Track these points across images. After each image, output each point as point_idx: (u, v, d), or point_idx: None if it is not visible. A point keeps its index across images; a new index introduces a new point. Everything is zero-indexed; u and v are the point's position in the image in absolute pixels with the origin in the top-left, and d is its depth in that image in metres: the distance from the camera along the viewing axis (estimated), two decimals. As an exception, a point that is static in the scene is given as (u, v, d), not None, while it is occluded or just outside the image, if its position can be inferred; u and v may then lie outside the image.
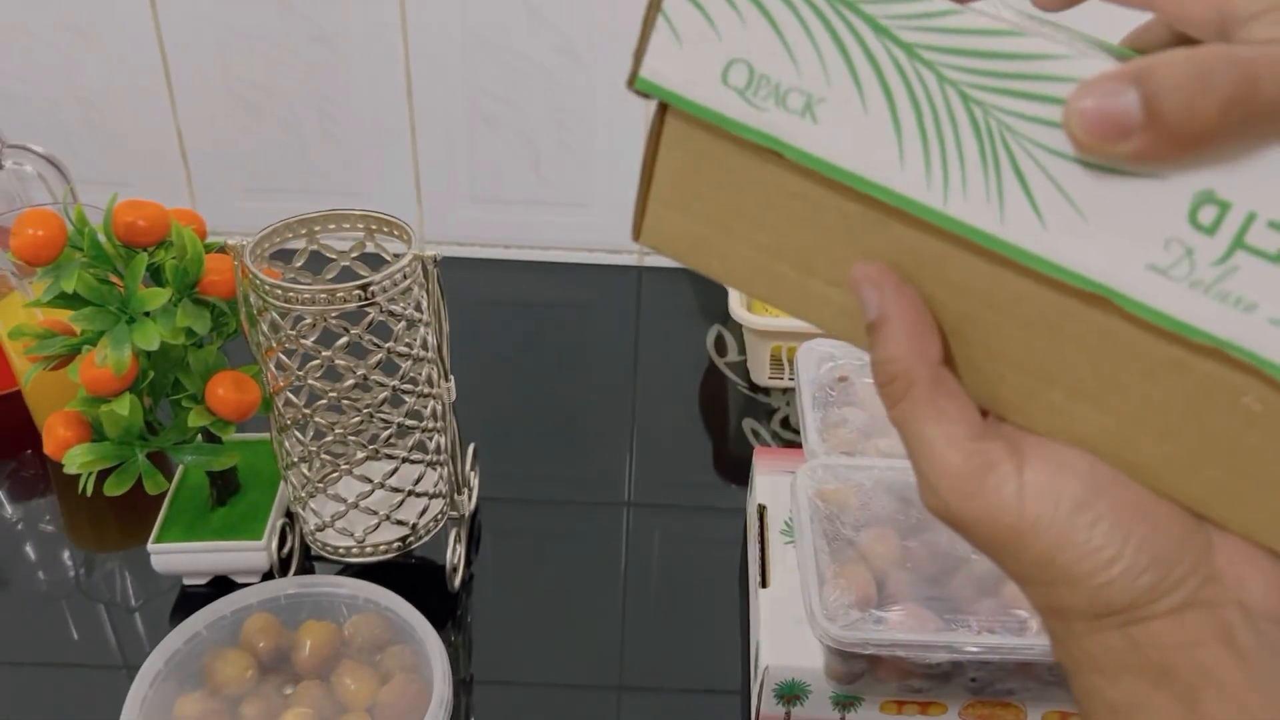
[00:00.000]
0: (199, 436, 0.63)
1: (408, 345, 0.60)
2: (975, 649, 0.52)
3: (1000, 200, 0.27)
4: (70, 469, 0.58)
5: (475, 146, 0.99)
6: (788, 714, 0.60)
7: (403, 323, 0.59)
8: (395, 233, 0.61)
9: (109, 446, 0.58)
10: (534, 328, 0.96)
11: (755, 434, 0.84)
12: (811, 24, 0.28)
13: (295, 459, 0.63)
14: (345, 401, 0.60)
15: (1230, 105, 0.23)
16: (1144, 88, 0.23)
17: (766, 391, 0.88)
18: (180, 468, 0.70)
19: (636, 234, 0.34)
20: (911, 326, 0.30)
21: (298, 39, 0.94)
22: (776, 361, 0.86)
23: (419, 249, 0.59)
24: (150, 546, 0.65)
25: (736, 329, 0.96)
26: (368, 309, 0.57)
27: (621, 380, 0.90)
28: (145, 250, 0.60)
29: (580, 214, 1.03)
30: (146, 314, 0.57)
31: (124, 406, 0.57)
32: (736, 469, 0.81)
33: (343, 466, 0.62)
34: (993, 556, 0.31)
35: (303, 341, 0.58)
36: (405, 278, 0.58)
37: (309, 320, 0.57)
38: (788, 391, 0.88)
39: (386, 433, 0.61)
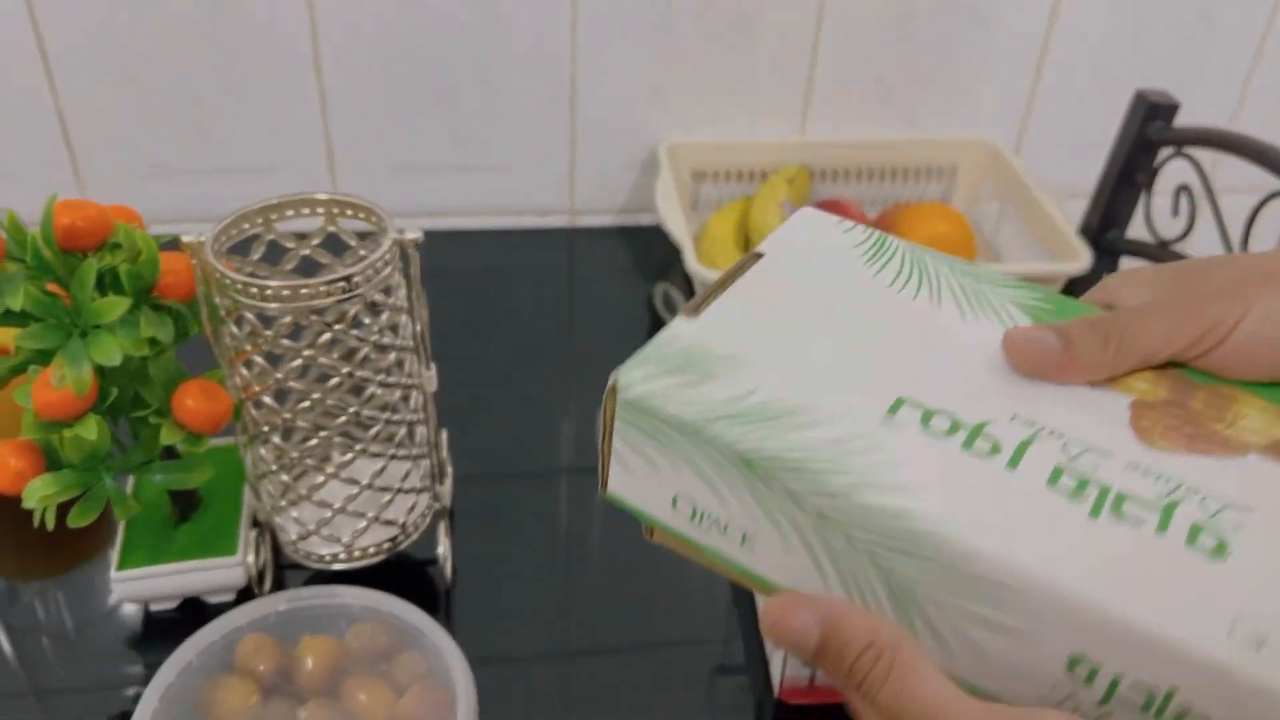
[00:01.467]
0: (158, 454, 0.58)
1: (390, 335, 0.56)
2: None
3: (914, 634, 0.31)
4: (30, 503, 0.52)
5: (391, 112, 0.94)
6: (813, 674, 0.59)
7: (386, 313, 0.55)
8: (362, 215, 0.57)
9: (72, 474, 0.53)
10: (467, 299, 0.92)
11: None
12: (736, 482, 0.32)
13: (273, 467, 0.58)
14: (330, 401, 0.56)
15: (1106, 342, 0.35)
16: (1060, 330, 0.35)
17: (723, 347, 0.87)
18: (129, 487, 0.64)
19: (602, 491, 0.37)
20: (853, 618, 0.30)
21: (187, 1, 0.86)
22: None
23: (393, 231, 0.55)
24: (114, 574, 0.60)
25: (684, 286, 0.94)
26: (350, 302, 0.52)
27: (563, 344, 0.87)
28: (87, 255, 0.54)
29: (505, 178, 0.99)
30: (97, 326, 0.52)
31: (90, 430, 0.51)
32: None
33: (328, 471, 0.58)
34: None
35: (283, 342, 0.53)
36: (386, 265, 0.54)
37: (288, 319, 0.52)
38: (745, 345, 0.87)
39: (374, 430, 0.57)
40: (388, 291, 0.55)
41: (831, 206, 0.95)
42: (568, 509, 0.72)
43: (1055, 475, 0.32)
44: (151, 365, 0.55)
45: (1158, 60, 1.00)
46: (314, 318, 0.53)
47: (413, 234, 0.54)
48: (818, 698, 0.60)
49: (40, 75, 0.88)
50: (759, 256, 0.40)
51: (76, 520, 0.54)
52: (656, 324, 0.90)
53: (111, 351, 0.50)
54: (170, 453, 0.58)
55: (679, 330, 0.36)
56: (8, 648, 0.62)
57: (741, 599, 0.66)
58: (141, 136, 0.92)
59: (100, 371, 0.52)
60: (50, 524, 0.53)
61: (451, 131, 0.95)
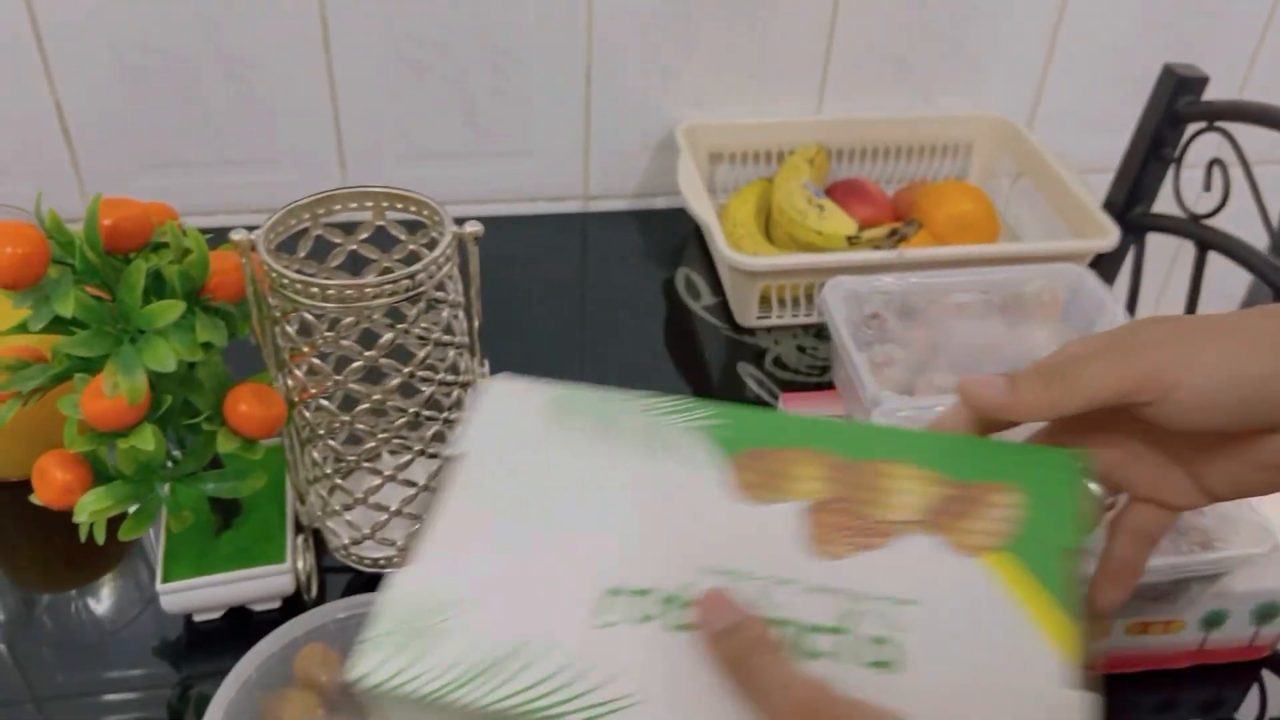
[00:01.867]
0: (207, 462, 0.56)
1: (448, 332, 0.54)
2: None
3: None
4: (81, 518, 0.50)
5: (402, 98, 0.91)
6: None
7: (446, 309, 0.53)
8: (414, 209, 0.55)
9: (124, 486, 0.51)
10: (482, 287, 0.90)
11: (752, 378, 0.82)
12: None
13: (327, 470, 0.56)
14: (390, 403, 0.54)
15: (1049, 383, 0.38)
16: (1007, 375, 0.39)
17: (752, 332, 0.86)
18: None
19: None
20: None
21: (192, -10, 0.83)
22: (765, 302, 0.84)
23: (452, 224, 0.53)
24: (160, 587, 0.58)
25: (704, 271, 0.92)
26: (414, 300, 0.51)
27: (580, 331, 0.85)
28: (131, 256, 0.51)
29: (520, 162, 0.97)
30: (142, 331, 0.49)
31: (146, 440, 0.49)
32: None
33: (385, 473, 0.56)
34: None
35: (343, 343, 0.51)
36: (447, 260, 0.52)
37: (350, 319, 0.50)
38: (774, 330, 0.86)
39: (434, 430, 0.56)
40: (443, 288, 0.53)
41: (851, 187, 0.94)
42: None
43: None
44: (201, 370, 0.53)
45: (1169, 34, 1.00)
46: (375, 317, 0.51)
47: (472, 227, 0.52)
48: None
49: (37, 64, 0.84)
50: (462, 456, 0.40)
51: (129, 533, 0.52)
52: (675, 308, 0.88)
53: (165, 357, 0.48)
54: (216, 460, 0.56)
55: (403, 585, 0.37)
56: (46, 657, 0.60)
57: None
58: (142, 127, 0.89)
59: (152, 379, 0.50)
60: (100, 538, 0.51)
61: (464, 117, 0.93)
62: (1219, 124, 0.79)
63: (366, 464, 0.56)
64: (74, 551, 0.64)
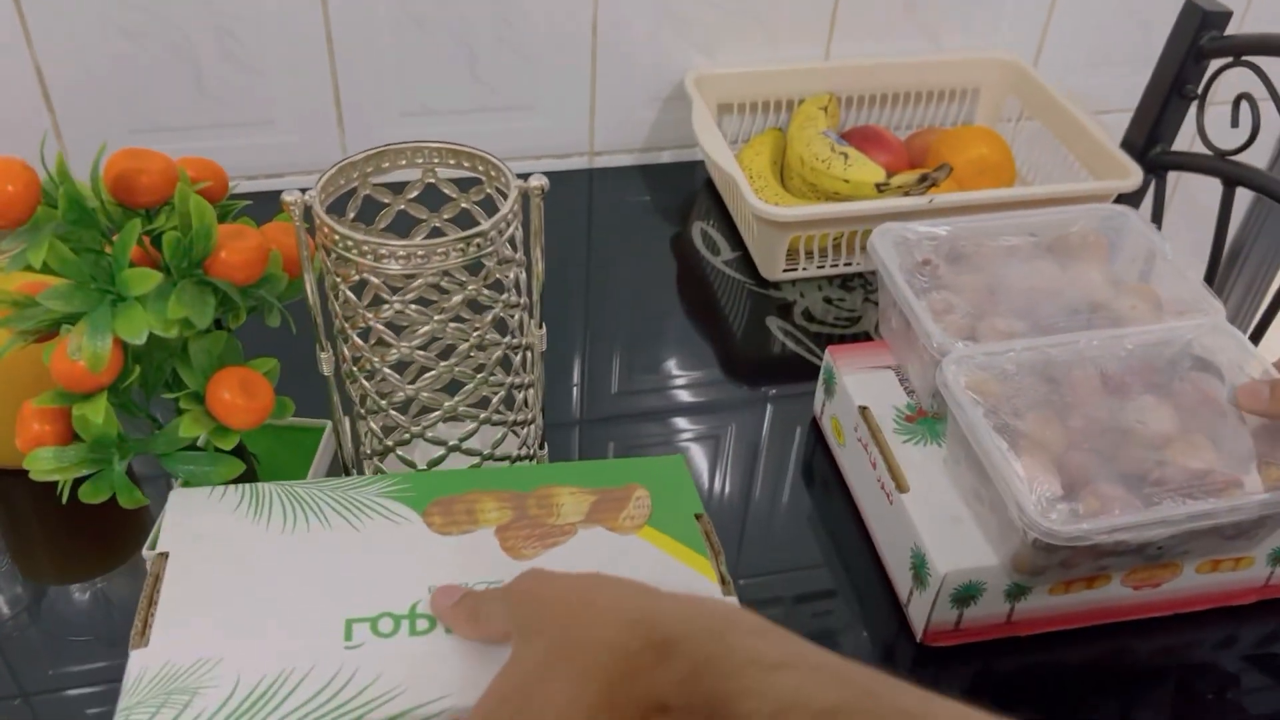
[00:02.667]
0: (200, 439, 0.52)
1: (513, 293, 0.52)
2: (1189, 518, 0.51)
3: None
4: (35, 474, 0.47)
5: (402, 52, 0.87)
6: (960, 615, 0.58)
7: (513, 268, 0.50)
8: (467, 164, 0.52)
9: (80, 452, 0.48)
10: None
11: (781, 330, 0.80)
12: None
13: (389, 443, 0.54)
14: (459, 370, 0.51)
15: None
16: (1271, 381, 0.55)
17: (776, 286, 0.84)
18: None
19: None
20: None
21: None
22: (792, 254, 0.82)
23: (517, 180, 0.50)
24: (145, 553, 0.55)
25: (721, 224, 0.90)
26: (483, 260, 0.48)
27: (601, 291, 0.83)
28: (142, 213, 0.48)
29: (524, 118, 0.93)
30: (124, 298, 0.46)
31: (97, 412, 0.46)
32: (770, 368, 0.77)
33: (449, 444, 0.53)
34: None
35: (410, 310, 0.48)
36: (516, 216, 0.49)
37: (417, 283, 0.48)
38: (799, 283, 0.84)
39: (498, 397, 0.53)
40: (512, 244, 0.51)
41: (867, 134, 0.92)
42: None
43: None
44: (193, 345, 0.49)
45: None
46: (445, 278, 0.48)
47: (538, 180, 0.50)
48: (962, 638, 0.58)
49: (14, 25, 0.79)
50: (165, 555, 0.46)
51: (88, 496, 0.49)
52: (688, 264, 0.86)
53: (138, 327, 0.45)
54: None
55: (140, 664, 0.42)
56: (60, 645, 0.57)
57: (851, 541, 0.64)
58: (128, 91, 0.84)
59: (136, 347, 0.47)
60: (63, 498, 0.49)
61: (467, 71, 0.89)
62: (1246, 58, 0.78)
63: (431, 435, 0.53)
64: (78, 539, 0.61)
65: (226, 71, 0.84)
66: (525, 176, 0.50)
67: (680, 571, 0.47)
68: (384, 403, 0.52)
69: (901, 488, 0.60)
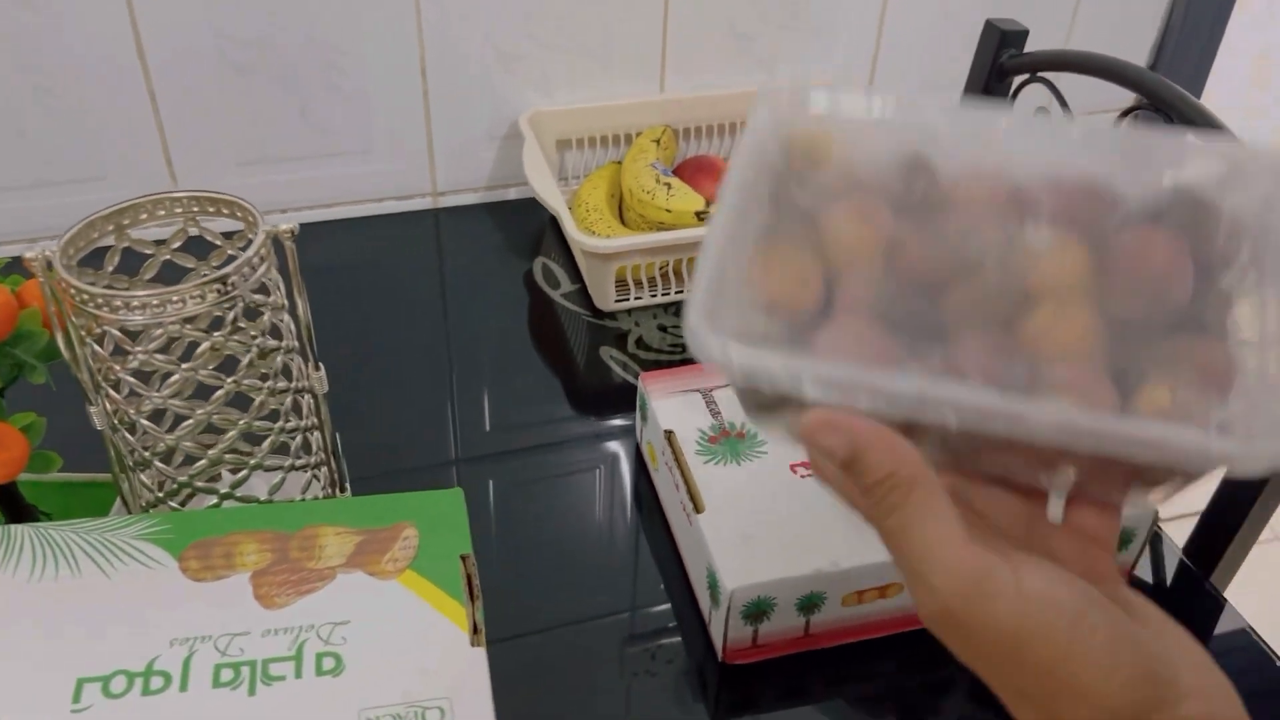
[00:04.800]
0: None
1: (272, 337, 0.52)
2: (937, 403, 0.32)
3: None
4: None
5: (230, 103, 0.87)
6: (755, 631, 0.58)
7: (267, 313, 0.51)
8: (227, 211, 0.52)
9: None
10: (336, 293, 0.87)
11: (615, 361, 0.81)
12: None
13: (159, 494, 0.53)
14: (218, 418, 0.51)
15: None
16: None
17: (613, 316, 0.85)
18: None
19: None
20: (888, 441, 0.31)
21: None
22: (622, 284, 0.83)
23: (265, 223, 0.51)
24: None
25: (561, 258, 0.91)
26: (228, 306, 0.48)
27: (441, 329, 0.84)
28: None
29: (362, 162, 0.94)
30: None
31: None
32: (603, 397, 0.77)
33: (221, 491, 0.53)
34: (991, 668, 0.31)
35: (157, 358, 0.48)
36: (261, 261, 0.49)
37: (160, 332, 0.48)
38: (634, 312, 0.85)
39: (268, 440, 0.53)
40: (265, 290, 0.51)
41: (699, 164, 0.94)
42: (470, 496, 0.69)
43: (216, 676, 0.43)
44: None
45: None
46: (188, 328, 0.48)
47: (287, 224, 0.50)
48: (763, 654, 0.59)
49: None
50: None
51: None
52: (536, 299, 0.87)
53: None
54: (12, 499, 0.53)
55: None
56: None
57: (669, 566, 0.64)
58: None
59: None
60: None
61: (300, 118, 0.90)
62: (1042, 74, 0.81)
63: (201, 484, 0.53)
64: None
65: (50, 127, 0.84)
66: (275, 223, 0.51)
67: (434, 621, 0.46)
68: (147, 454, 0.52)
69: (699, 508, 0.60)
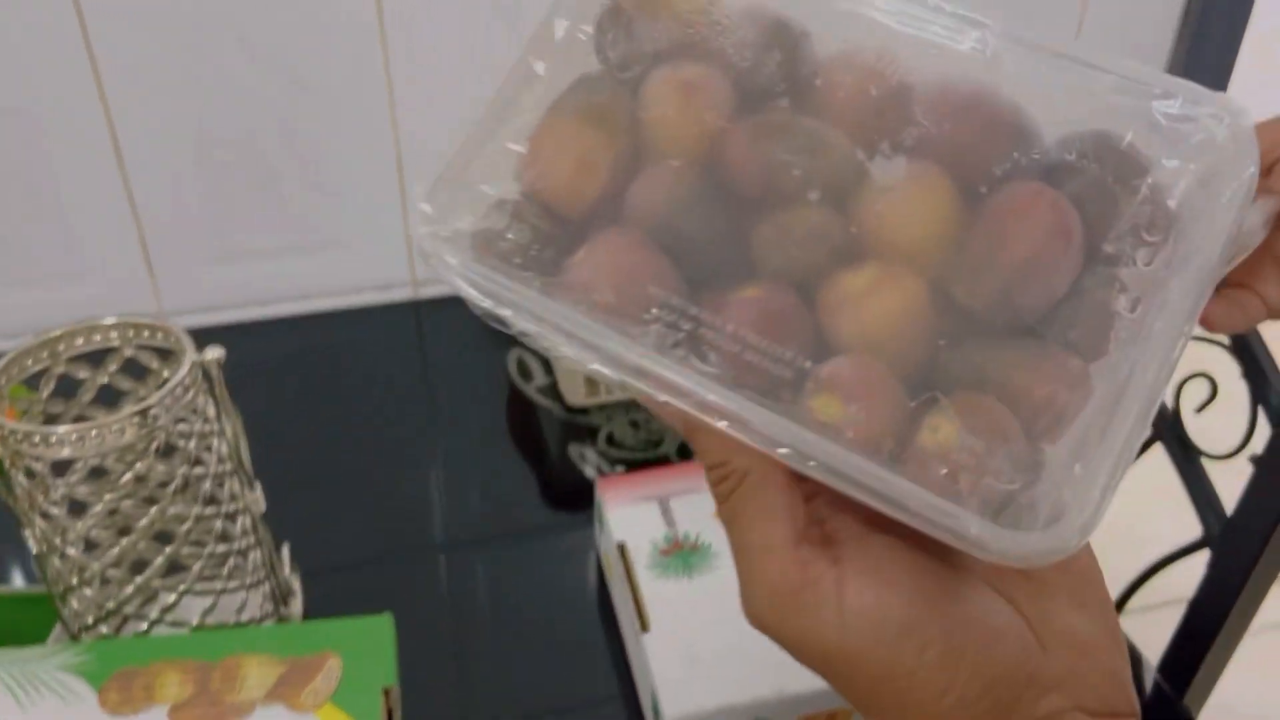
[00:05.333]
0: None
1: (200, 462, 0.52)
2: (652, 386, 0.27)
3: None
4: None
5: (208, 199, 0.88)
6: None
7: (193, 439, 0.51)
8: (159, 335, 0.53)
9: None
10: (313, 386, 0.87)
11: (585, 459, 0.80)
12: None
13: (88, 620, 0.53)
14: (143, 544, 0.51)
15: None
16: None
17: (585, 411, 0.84)
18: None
19: None
20: (710, 434, 0.27)
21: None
22: (591, 379, 0.83)
23: (193, 352, 0.51)
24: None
25: (536, 351, 0.91)
26: (151, 436, 0.48)
27: (420, 423, 0.83)
28: None
29: (340, 254, 0.95)
30: None
31: None
32: (571, 496, 0.77)
33: (151, 616, 0.53)
34: (823, 677, 0.29)
35: (80, 489, 0.48)
36: (186, 390, 0.49)
37: (79, 465, 0.48)
38: (606, 407, 0.85)
39: (198, 565, 0.53)
40: (191, 419, 0.51)
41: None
42: (446, 598, 0.68)
43: None
44: None
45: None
46: (110, 459, 0.48)
47: (213, 353, 0.50)
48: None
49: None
50: None
51: None
52: (514, 393, 0.86)
53: None
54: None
55: None
56: None
57: (624, 677, 0.63)
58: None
59: None
60: None
61: (277, 213, 0.91)
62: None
63: (129, 610, 0.53)
64: None
65: (25, 224, 0.85)
66: (202, 350, 0.51)
67: None
68: (74, 581, 0.51)
69: (645, 626, 0.59)
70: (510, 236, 0.28)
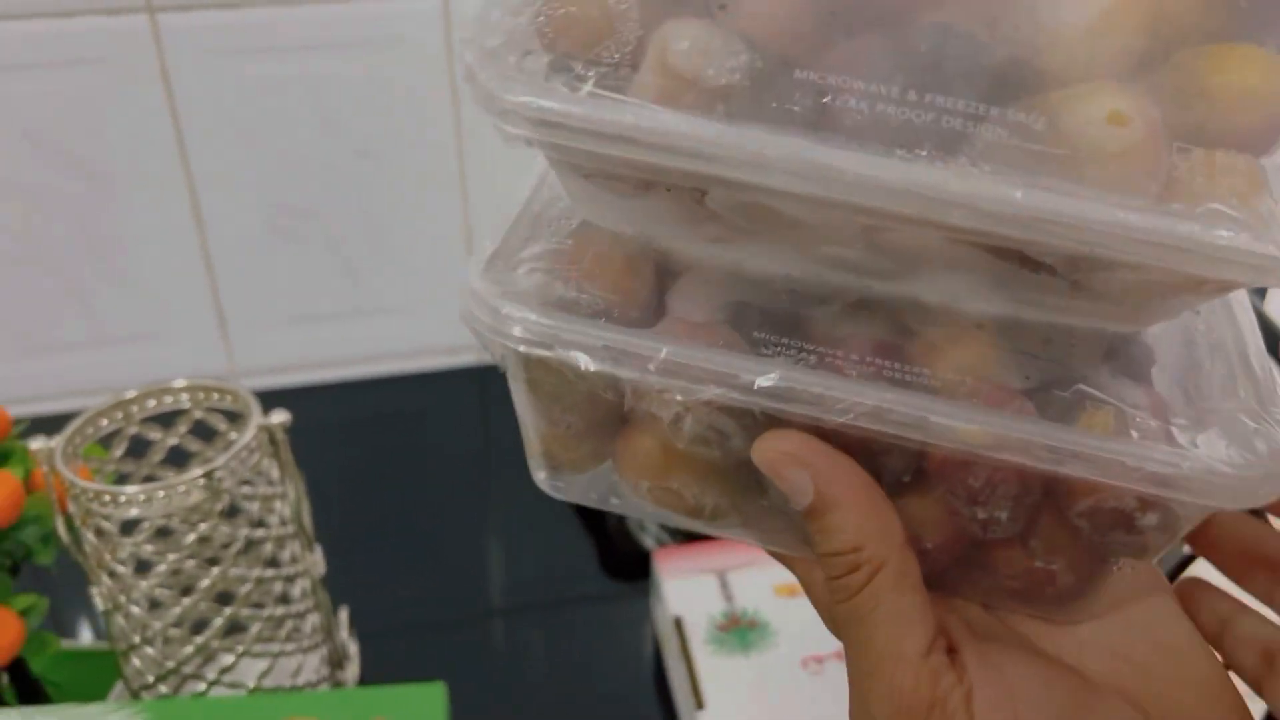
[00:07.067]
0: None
1: (262, 524, 0.52)
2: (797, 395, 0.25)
3: None
4: None
5: (280, 263, 0.91)
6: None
7: (256, 501, 0.51)
8: (228, 399, 0.54)
9: None
10: (379, 452, 0.88)
11: (641, 527, 0.80)
12: None
13: (149, 679, 0.54)
14: (205, 605, 0.52)
15: None
16: None
17: (643, 479, 0.84)
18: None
19: None
20: (866, 498, 0.25)
21: (60, 178, 0.83)
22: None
23: (259, 416, 0.52)
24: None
25: (596, 416, 0.91)
26: (215, 498, 0.49)
27: (480, 488, 0.84)
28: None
29: (408, 319, 0.96)
30: None
31: None
32: (629, 567, 0.76)
33: (210, 678, 0.53)
34: None
35: (145, 548, 0.49)
36: (251, 453, 0.50)
37: (145, 524, 0.49)
38: (664, 475, 0.84)
39: (256, 627, 0.53)
40: (255, 481, 0.52)
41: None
42: (501, 665, 0.68)
43: None
44: None
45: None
46: (175, 519, 0.49)
47: (278, 417, 0.51)
48: None
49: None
50: None
51: None
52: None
53: None
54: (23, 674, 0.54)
55: None
56: None
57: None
58: (9, 312, 0.88)
59: None
60: None
61: (348, 278, 0.93)
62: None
63: (187, 669, 0.53)
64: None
65: (107, 288, 0.88)
66: (268, 414, 0.52)
67: None
68: (137, 639, 0.52)
69: (700, 704, 0.58)
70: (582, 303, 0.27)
